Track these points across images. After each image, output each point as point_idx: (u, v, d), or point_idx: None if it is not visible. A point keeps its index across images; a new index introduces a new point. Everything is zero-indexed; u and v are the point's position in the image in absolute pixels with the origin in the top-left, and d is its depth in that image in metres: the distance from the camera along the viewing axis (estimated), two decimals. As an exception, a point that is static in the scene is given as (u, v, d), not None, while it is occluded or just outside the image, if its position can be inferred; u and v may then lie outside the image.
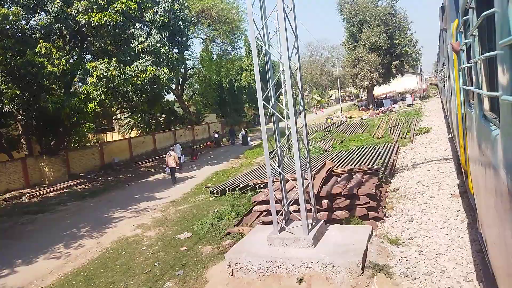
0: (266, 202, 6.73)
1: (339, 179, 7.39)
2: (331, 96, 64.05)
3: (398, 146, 12.73)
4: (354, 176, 7.44)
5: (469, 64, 2.78)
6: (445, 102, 12.59)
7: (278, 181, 5.81)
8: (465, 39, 3.05)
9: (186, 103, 31.15)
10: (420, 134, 14.94)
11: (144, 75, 13.60)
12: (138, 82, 13.55)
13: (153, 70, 13.83)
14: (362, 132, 18.01)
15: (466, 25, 2.88)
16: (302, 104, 5.43)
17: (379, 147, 11.97)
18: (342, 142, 15.86)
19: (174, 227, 7.90)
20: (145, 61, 14.04)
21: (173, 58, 15.22)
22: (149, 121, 27.03)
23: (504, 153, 1.46)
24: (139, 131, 27.45)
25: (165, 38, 15.36)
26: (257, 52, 4.95)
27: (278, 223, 5.14)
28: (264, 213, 6.82)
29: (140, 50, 14.36)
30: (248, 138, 23.87)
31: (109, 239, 7.86)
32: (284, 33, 4.55)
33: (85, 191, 14.20)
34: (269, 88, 5.07)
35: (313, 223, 5.14)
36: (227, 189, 10.08)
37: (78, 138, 22.02)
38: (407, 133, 15.58)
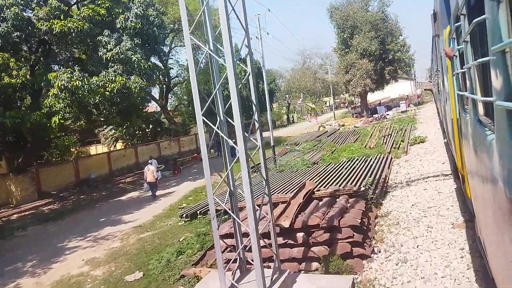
0: (231, 235, 5.70)
1: (320, 203, 6.52)
2: (325, 103, 64.85)
3: (391, 158, 12.21)
4: (338, 199, 6.63)
5: (463, 70, 2.84)
6: (440, 107, 12.94)
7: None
8: (458, 45, 3.14)
9: (171, 113, 30.31)
10: (415, 144, 14.39)
11: (112, 85, 12.94)
12: (106, 93, 12.91)
13: (122, 80, 13.22)
14: (354, 142, 17.99)
15: (458, 31, 2.97)
16: (257, 118, 4.43)
17: (371, 160, 11.48)
18: (332, 153, 15.69)
19: (128, 263, 7.16)
20: (114, 70, 13.42)
21: (146, 66, 14.54)
22: (134, 132, 26.49)
23: (499, 157, 1.54)
24: (124, 144, 27.05)
25: (138, 46, 14.79)
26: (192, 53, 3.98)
27: (234, 272, 4.10)
28: (230, 248, 5.79)
29: (109, 58, 13.69)
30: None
31: (51, 279, 7.11)
32: (225, 23, 3.47)
33: (51, 213, 13.61)
34: (209, 99, 4.10)
35: (275, 276, 4.09)
36: (198, 212, 9.25)
37: (60, 152, 21.21)
38: (401, 142, 15.12)
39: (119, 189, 17.16)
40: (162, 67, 27.63)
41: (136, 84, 13.71)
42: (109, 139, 28.06)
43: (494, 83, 1.44)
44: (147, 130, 27.18)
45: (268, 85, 49.58)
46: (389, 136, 16.84)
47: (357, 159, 12.03)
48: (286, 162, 13.94)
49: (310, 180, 9.42)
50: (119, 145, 27.04)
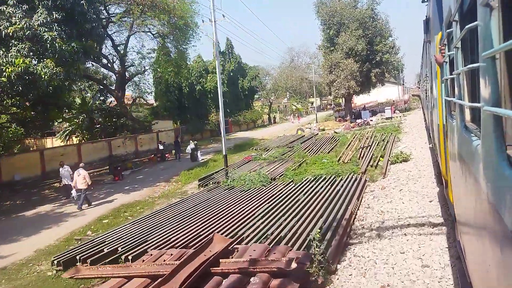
0: None
1: (223, 285, 4.68)
2: (312, 104, 66.23)
3: (366, 181, 11.02)
4: (253, 280, 4.62)
5: (452, 76, 3.15)
6: (427, 113, 13.72)
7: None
8: (449, 51, 3.45)
9: (127, 107, 29.33)
10: (397, 163, 12.91)
11: (10, 69, 11.50)
12: (2, 79, 11.50)
13: (24, 63, 11.72)
14: (329, 152, 17.88)
15: (450, 38, 3.26)
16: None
17: (340, 182, 10.70)
18: (299, 165, 15.00)
19: None
20: (18, 50, 11.84)
21: (63, 48, 12.71)
22: (88, 126, 25.14)
23: (484, 163, 1.71)
24: (78, 137, 25.80)
25: (58, 22, 13.02)
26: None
27: None
28: None
29: (11, 34, 11.98)
30: (198, 153, 23.06)
31: None
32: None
33: None
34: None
35: None
36: (79, 258, 7.37)
37: (4, 145, 19.67)
38: (381, 159, 14.06)
39: (41, 197, 15.90)
40: (115, 55, 26.24)
41: (46, 70, 12.14)
42: (61, 132, 26.68)
43: (482, 89, 1.62)
44: (108, 124, 26.02)
45: (249, 81, 48.43)
46: (368, 148, 16.19)
47: (324, 179, 11.29)
48: (239, 177, 13.14)
49: (247, 211, 8.55)
50: (75, 140, 25.84)
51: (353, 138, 20.20)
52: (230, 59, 47.25)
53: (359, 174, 11.80)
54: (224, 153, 15.52)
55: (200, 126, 38.68)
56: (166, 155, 24.96)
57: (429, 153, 12.90)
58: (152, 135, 28.11)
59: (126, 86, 29.27)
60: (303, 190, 10.24)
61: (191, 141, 25.23)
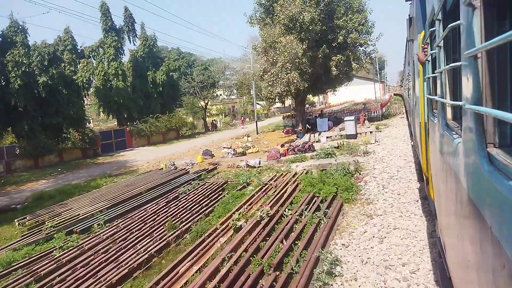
0: None
1: None
2: (282, 104, 49.81)
3: None
4: None
5: (434, 74, 3.15)
6: (409, 111, 13.86)
7: None
8: (431, 50, 3.47)
9: None
10: None
11: None
12: None
13: None
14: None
15: (433, 37, 3.30)
16: None
17: None
18: None
19: None
20: None
21: None
22: None
23: (465, 160, 1.74)
24: None
25: None
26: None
27: None
28: None
29: None
30: None
31: None
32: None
33: None
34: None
35: None
36: None
37: None
38: None
39: None
40: None
41: None
42: None
43: (464, 88, 1.64)
44: None
45: (164, 73, 34.32)
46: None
47: None
48: None
49: None
50: None
51: (259, 191, 10.12)
52: (131, 38, 33.45)
53: None
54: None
55: (51, 144, 23.57)
56: None
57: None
58: None
59: None
60: None
61: None
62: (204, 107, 42.62)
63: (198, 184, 12.54)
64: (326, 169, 11.22)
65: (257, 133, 29.14)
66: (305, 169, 11.96)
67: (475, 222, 1.51)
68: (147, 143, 31.89)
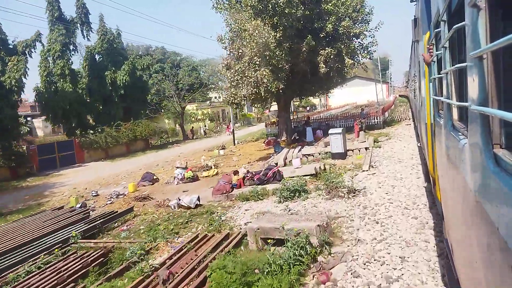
0: None
1: None
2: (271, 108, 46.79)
3: None
4: None
5: (440, 75, 3.15)
6: (415, 112, 13.32)
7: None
8: (437, 51, 3.47)
9: None
10: None
11: None
12: None
13: None
14: None
15: (438, 37, 3.29)
16: None
17: None
18: None
19: None
20: None
21: None
22: None
23: (471, 161, 1.72)
24: None
25: None
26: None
27: None
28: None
29: None
30: None
31: None
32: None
33: None
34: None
35: None
36: None
37: None
38: None
39: None
40: None
41: None
42: None
43: (469, 89, 1.64)
44: None
45: (127, 73, 28.09)
46: None
47: None
48: None
49: None
50: None
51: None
52: (85, 31, 28.61)
53: None
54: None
55: None
56: None
57: None
58: None
59: None
60: None
61: None
62: (180, 112, 37.33)
63: (60, 256, 7.30)
64: (269, 238, 6.00)
65: (234, 144, 24.41)
66: (243, 228, 7.12)
67: (481, 222, 1.51)
68: (105, 156, 26.73)
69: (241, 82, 14.77)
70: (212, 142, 28.32)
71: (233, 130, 26.73)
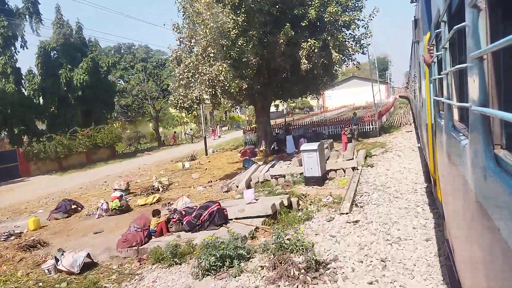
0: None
1: None
2: (276, 107, 43.61)
3: None
4: None
5: (440, 76, 3.15)
6: (416, 113, 13.21)
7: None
8: (437, 52, 3.47)
9: None
10: None
11: None
12: None
13: None
14: None
15: (438, 38, 3.29)
16: None
17: None
18: None
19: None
20: None
21: None
22: None
23: (471, 162, 1.72)
24: None
25: None
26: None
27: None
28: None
29: None
30: None
31: None
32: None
33: None
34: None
35: None
36: None
37: None
38: None
39: None
40: None
41: None
42: None
43: (470, 89, 1.64)
44: None
45: (86, 71, 24.48)
46: None
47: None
48: None
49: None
50: None
51: None
52: (34, 24, 24.86)
53: None
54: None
55: None
56: None
57: None
58: None
59: None
60: None
61: None
62: (154, 115, 34.34)
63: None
64: None
65: (206, 154, 20.45)
66: None
67: (482, 223, 1.51)
68: (58, 167, 22.96)
69: (193, 80, 11.75)
70: (187, 150, 24.52)
71: (205, 137, 22.17)
